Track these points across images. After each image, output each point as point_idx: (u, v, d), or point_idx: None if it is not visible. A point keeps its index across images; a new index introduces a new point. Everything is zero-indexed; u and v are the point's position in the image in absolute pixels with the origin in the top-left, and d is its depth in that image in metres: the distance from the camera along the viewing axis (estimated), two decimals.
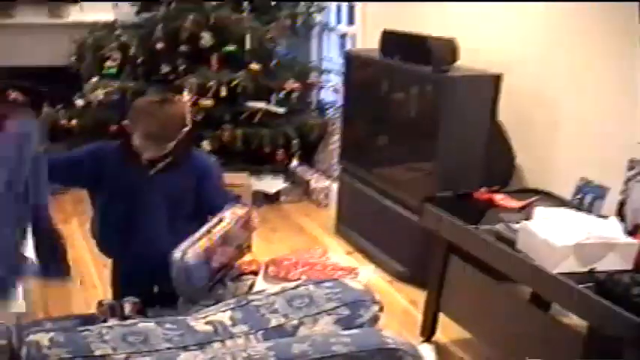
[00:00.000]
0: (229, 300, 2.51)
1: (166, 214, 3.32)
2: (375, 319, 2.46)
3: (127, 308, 3.08)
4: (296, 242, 5.61)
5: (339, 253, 5.35)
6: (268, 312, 2.38)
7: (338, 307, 2.42)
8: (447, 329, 4.15)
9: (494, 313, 3.72)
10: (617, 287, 2.83)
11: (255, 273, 3.39)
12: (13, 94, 7.31)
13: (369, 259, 5.24)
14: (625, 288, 2.81)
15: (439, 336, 4.13)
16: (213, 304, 2.48)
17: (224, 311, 2.36)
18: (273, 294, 2.50)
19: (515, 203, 3.89)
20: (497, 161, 4.63)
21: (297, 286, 2.54)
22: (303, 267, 3.47)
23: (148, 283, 3.42)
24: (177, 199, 3.35)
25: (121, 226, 3.32)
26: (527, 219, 3.42)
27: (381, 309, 2.47)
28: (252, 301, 2.45)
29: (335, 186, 6.11)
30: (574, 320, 3.24)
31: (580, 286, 2.90)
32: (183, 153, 3.31)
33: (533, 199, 3.91)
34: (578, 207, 3.62)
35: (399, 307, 4.59)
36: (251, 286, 3.19)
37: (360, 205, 5.42)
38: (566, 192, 3.95)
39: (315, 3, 7.11)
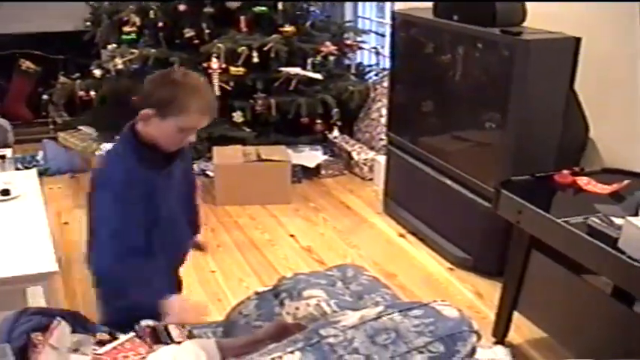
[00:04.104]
0: (297, 336, 2.06)
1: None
2: (472, 353, 2.01)
3: (175, 332, 2.60)
4: (342, 223, 5.21)
5: (392, 235, 4.98)
6: (347, 352, 1.98)
7: (431, 342, 1.98)
8: (521, 329, 3.77)
9: (575, 310, 3.37)
10: None
11: None
12: (26, 64, 6.95)
13: (423, 242, 4.82)
14: None
15: (513, 336, 3.74)
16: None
17: (292, 352, 1.93)
18: (351, 327, 2.06)
19: (604, 188, 3.41)
20: (569, 134, 4.16)
21: (379, 316, 2.09)
22: None
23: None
24: (186, 186, 2.98)
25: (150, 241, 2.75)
26: (627, 209, 2.99)
27: (479, 338, 2.02)
28: (326, 337, 2.01)
29: (379, 158, 5.67)
30: None
31: None
32: None
33: (624, 183, 3.43)
34: None
35: (464, 300, 4.18)
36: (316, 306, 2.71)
37: (412, 181, 4.96)
38: None
39: None
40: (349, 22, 7.13)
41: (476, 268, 4.45)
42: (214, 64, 5.71)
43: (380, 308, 2.09)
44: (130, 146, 2.65)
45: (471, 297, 4.21)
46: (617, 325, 3.14)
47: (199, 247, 3.19)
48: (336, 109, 6.04)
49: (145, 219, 2.65)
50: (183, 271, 4.36)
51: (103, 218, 2.62)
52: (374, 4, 7.08)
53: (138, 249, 2.60)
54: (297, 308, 2.64)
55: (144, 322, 2.71)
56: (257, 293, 2.91)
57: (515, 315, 3.63)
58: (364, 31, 6.89)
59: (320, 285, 2.83)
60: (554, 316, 3.48)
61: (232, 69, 5.78)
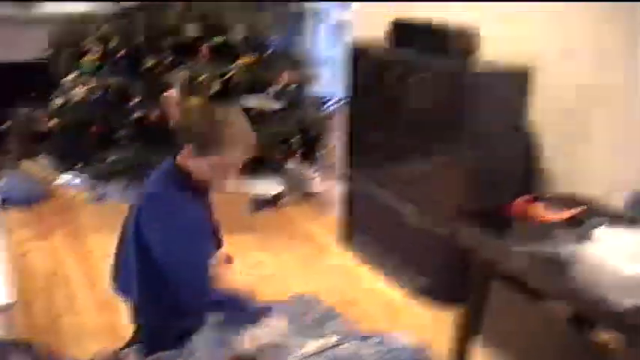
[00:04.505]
0: None
1: None
2: None
3: None
4: (305, 252, 5.23)
5: (350, 264, 5.01)
6: None
7: None
8: (480, 356, 3.79)
9: (534, 337, 3.44)
10: None
11: None
12: None
13: (382, 270, 4.85)
14: None
15: None
16: None
17: None
18: (310, 355, 2.08)
19: (559, 215, 3.46)
20: (525, 162, 4.27)
21: (337, 345, 2.12)
22: None
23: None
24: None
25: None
26: (581, 236, 3.03)
27: None
28: None
29: (339, 187, 5.69)
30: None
31: None
32: None
33: (578, 209, 3.48)
34: (636, 222, 3.18)
35: (425, 327, 4.21)
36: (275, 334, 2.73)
37: (370, 210, 4.99)
38: (602, 197, 3.65)
39: None
40: (308, 52, 7.15)
41: (435, 296, 4.47)
42: (174, 92, 5.69)
43: (338, 337, 2.12)
44: (175, 180, 2.73)
45: (431, 325, 4.24)
46: (576, 351, 3.18)
47: (227, 260, 3.24)
48: (295, 139, 6.04)
49: None
50: None
51: (174, 249, 2.67)
52: (332, 34, 7.14)
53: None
54: (256, 336, 2.66)
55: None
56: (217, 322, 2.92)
57: (475, 343, 3.65)
58: (323, 60, 6.91)
59: (279, 313, 2.84)
60: (513, 344, 3.52)
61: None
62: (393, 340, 2.11)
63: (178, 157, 2.74)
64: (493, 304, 3.52)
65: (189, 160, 2.69)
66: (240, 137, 2.67)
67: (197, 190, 2.78)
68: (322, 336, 2.47)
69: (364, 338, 2.12)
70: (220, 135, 2.63)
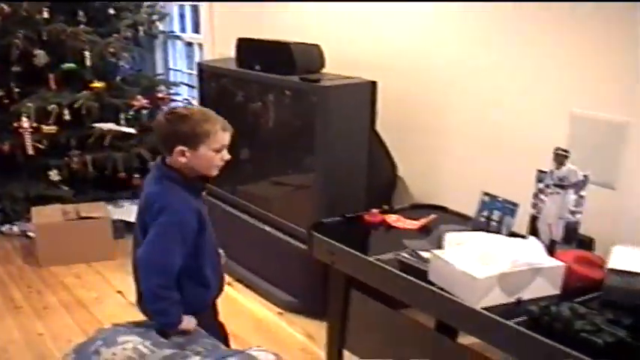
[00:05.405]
0: None
1: None
2: None
3: None
4: None
5: None
6: None
7: None
8: None
9: (402, 345, 3.42)
10: (557, 323, 2.51)
11: None
12: None
13: (251, 289, 4.87)
14: (566, 323, 2.50)
15: None
16: None
17: None
18: None
19: (412, 223, 3.57)
20: (378, 173, 4.32)
21: None
22: None
23: None
24: None
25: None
26: (433, 242, 3.13)
27: None
28: None
29: None
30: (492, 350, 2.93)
31: (512, 322, 2.56)
32: None
33: (430, 217, 3.60)
34: (486, 226, 3.29)
35: (296, 343, 4.21)
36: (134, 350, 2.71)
37: (233, 230, 4.98)
38: (454, 203, 3.78)
39: (159, 6, 6.86)
40: (160, 75, 7.18)
41: (304, 310, 4.49)
42: (25, 123, 5.62)
43: (197, 358, 2.14)
44: (173, 179, 2.87)
45: (302, 339, 4.24)
46: (442, 357, 3.23)
47: None
48: (151, 162, 6.02)
49: (195, 245, 2.92)
50: (7, 337, 4.25)
51: (158, 243, 2.82)
52: (184, 56, 7.16)
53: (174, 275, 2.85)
54: (114, 354, 2.63)
55: None
56: (75, 349, 2.89)
57: (346, 354, 3.68)
58: (175, 84, 6.95)
59: (137, 332, 2.82)
60: (381, 353, 3.53)
61: (44, 127, 5.72)
62: (250, 358, 2.14)
63: (168, 160, 2.87)
64: (359, 315, 3.57)
65: (182, 158, 2.83)
66: (215, 121, 2.86)
67: (193, 187, 2.94)
68: (184, 358, 2.48)
69: (222, 358, 2.14)
70: (202, 127, 2.81)
